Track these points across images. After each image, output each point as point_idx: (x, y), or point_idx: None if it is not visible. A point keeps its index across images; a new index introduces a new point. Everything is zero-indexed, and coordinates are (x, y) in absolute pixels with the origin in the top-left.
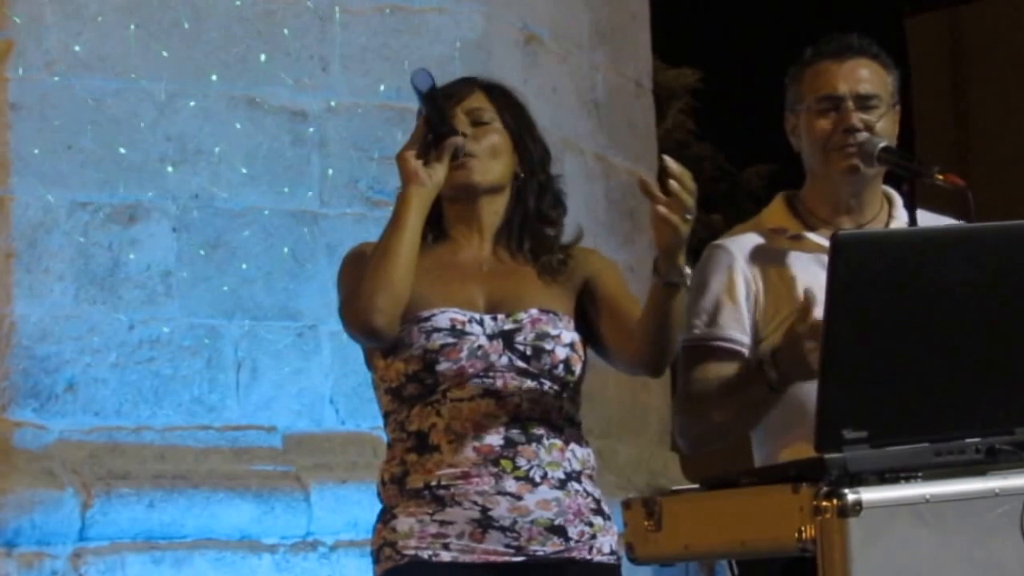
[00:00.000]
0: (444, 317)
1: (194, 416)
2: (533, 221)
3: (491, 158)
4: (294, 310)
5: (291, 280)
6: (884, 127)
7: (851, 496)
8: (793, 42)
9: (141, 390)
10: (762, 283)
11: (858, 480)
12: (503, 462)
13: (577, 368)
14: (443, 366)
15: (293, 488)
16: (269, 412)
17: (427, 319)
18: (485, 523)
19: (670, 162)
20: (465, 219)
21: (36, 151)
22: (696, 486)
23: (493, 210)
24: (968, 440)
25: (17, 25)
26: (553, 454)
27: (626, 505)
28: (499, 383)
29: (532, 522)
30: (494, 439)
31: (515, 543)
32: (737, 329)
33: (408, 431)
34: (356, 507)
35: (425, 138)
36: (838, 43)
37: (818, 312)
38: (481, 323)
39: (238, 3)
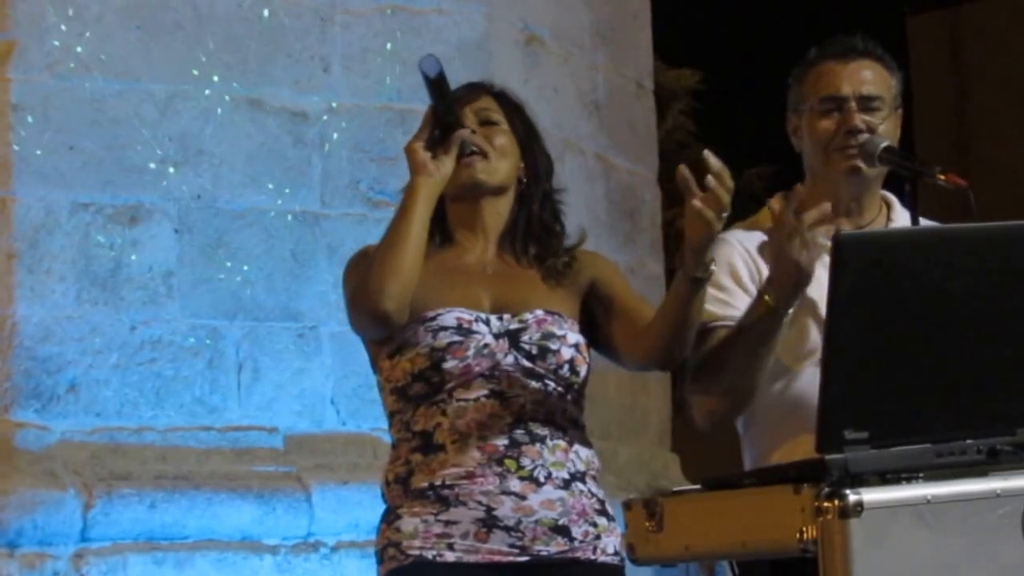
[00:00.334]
0: (450, 316)
1: (195, 417)
2: (537, 228)
3: (499, 157)
4: (295, 311)
5: (292, 281)
6: (887, 129)
7: (852, 497)
8: (794, 44)
9: (143, 391)
10: (762, 273)
11: (859, 481)
12: (507, 462)
13: (582, 370)
14: (450, 364)
15: (294, 489)
16: (270, 413)
17: (433, 318)
18: (489, 523)
19: (710, 157)
20: (468, 222)
21: (38, 152)
22: (697, 487)
23: (496, 212)
24: (969, 441)
25: (19, 26)
26: (557, 454)
27: (627, 506)
28: (504, 383)
29: (536, 522)
30: (499, 439)
31: (519, 543)
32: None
33: (413, 431)
34: (357, 508)
35: (433, 131)
36: (842, 44)
37: (809, 213)
38: (487, 322)
39: (239, 4)
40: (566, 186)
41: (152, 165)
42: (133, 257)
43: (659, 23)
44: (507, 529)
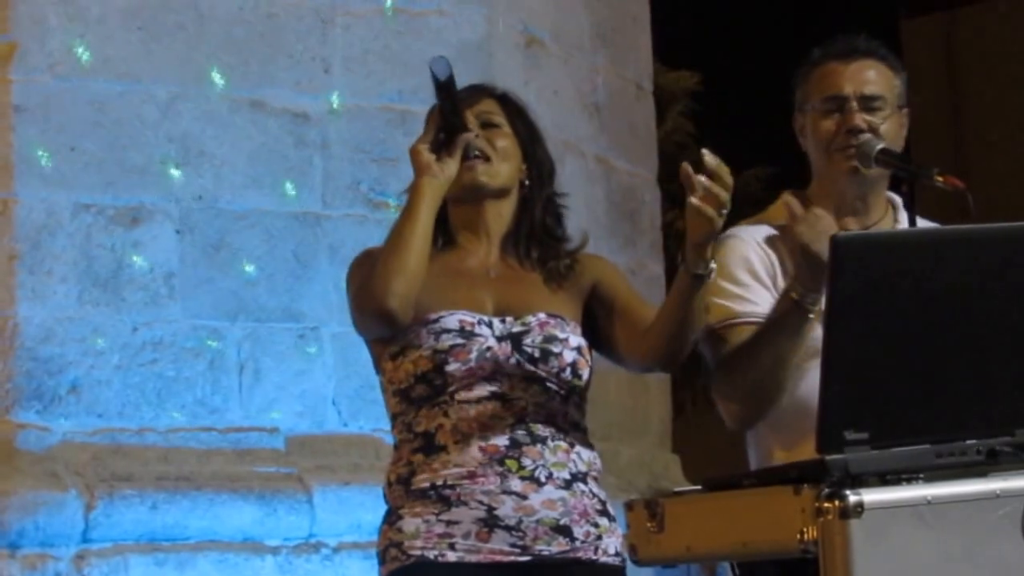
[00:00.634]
0: (453, 319)
1: (197, 418)
2: (540, 231)
3: (501, 160)
4: (297, 312)
5: (294, 282)
6: (889, 128)
7: (853, 497)
8: (790, 47)
9: (144, 392)
10: (776, 267)
11: (860, 481)
12: (508, 462)
13: (584, 373)
14: (452, 367)
15: (296, 490)
16: (272, 414)
17: (436, 320)
18: (491, 523)
19: (707, 155)
20: (471, 224)
21: (39, 153)
22: (698, 487)
23: (498, 214)
24: (969, 441)
25: (20, 27)
26: (558, 455)
27: (629, 506)
28: (506, 385)
29: (538, 522)
30: (500, 439)
31: (521, 543)
32: (764, 305)
33: (415, 432)
34: (359, 509)
35: (438, 133)
36: (845, 44)
37: (815, 210)
38: (490, 325)
39: (241, 6)
40: (564, 189)
41: (153, 166)
42: (134, 258)
43: (658, 25)
44: (508, 529)
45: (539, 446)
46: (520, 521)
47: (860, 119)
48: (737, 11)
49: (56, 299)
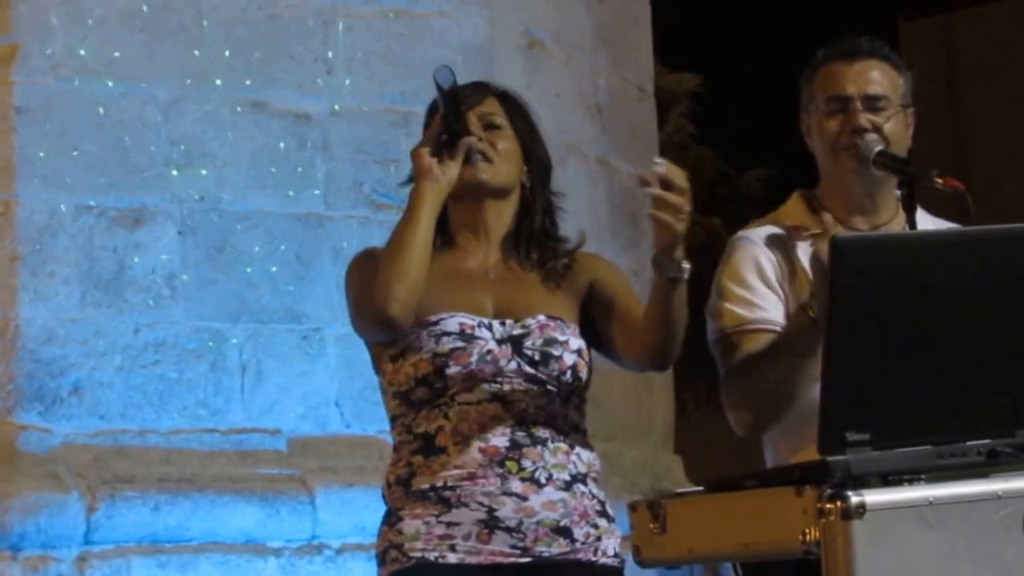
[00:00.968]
0: (453, 321)
1: (199, 419)
2: (540, 235)
3: (502, 162)
4: (299, 313)
5: (296, 283)
6: (893, 128)
7: (855, 498)
8: (791, 48)
9: (146, 393)
10: (786, 270)
11: (861, 482)
12: (508, 463)
13: (584, 375)
14: (452, 370)
15: (298, 491)
16: (274, 415)
17: (436, 323)
18: (491, 524)
19: (658, 164)
20: (471, 224)
21: (41, 154)
22: (700, 488)
23: (498, 215)
24: (970, 442)
25: (22, 29)
26: (558, 456)
27: (632, 508)
28: (507, 388)
29: (538, 523)
30: (500, 441)
31: (521, 544)
32: (774, 311)
33: (415, 433)
34: (362, 510)
35: (440, 137)
36: (848, 44)
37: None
38: (490, 328)
39: (243, 7)
40: (567, 190)
41: (155, 167)
42: (136, 259)
43: (659, 27)
44: (509, 530)
45: (539, 448)
46: (521, 522)
47: (864, 119)
48: (737, 13)
49: (58, 300)
